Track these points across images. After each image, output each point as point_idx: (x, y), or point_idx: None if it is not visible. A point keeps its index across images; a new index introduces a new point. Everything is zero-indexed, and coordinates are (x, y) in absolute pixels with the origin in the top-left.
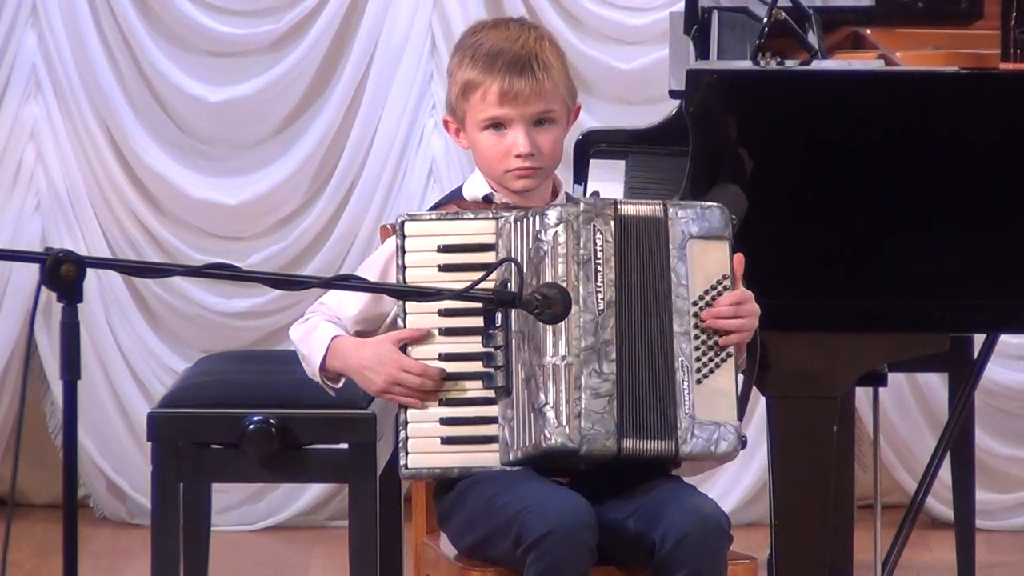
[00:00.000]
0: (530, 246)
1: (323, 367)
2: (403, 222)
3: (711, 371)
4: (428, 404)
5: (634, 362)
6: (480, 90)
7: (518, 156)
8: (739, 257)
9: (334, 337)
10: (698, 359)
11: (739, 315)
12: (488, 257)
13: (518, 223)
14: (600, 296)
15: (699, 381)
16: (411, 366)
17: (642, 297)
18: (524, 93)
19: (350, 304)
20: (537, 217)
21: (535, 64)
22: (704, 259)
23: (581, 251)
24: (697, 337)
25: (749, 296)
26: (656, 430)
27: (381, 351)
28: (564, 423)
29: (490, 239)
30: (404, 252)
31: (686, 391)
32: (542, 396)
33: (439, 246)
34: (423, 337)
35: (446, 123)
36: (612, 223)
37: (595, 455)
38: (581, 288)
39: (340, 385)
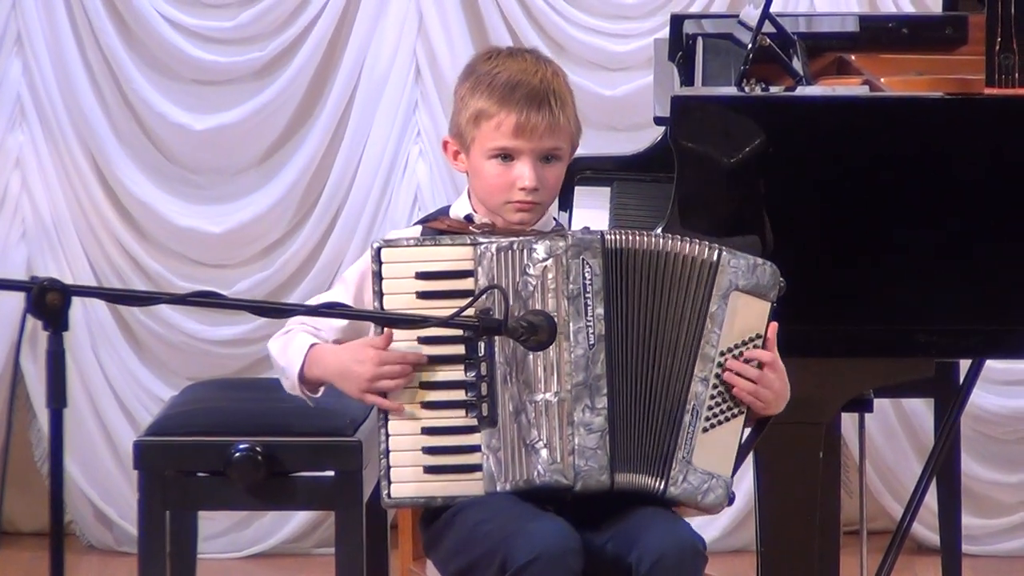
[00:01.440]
0: (517, 279)
1: (302, 377)
2: (379, 248)
3: (719, 423)
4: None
5: (630, 396)
6: (495, 120)
7: (522, 189)
8: (774, 326)
9: (312, 345)
10: (710, 407)
11: (760, 382)
12: (466, 284)
13: (502, 254)
14: (591, 331)
15: (705, 429)
16: (390, 357)
17: (643, 331)
18: (539, 128)
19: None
20: (525, 250)
21: (552, 99)
22: (743, 313)
23: (571, 285)
24: (715, 386)
25: (778, 366)
26: (648, 464)
27: (358, 350)
28: (558, 460)
29: (468, 265)
30: (381, 279)
31: (690, 436)
32: (534, 432)
33: (416, 272)
34: (389, 341)
35: (445, 144)
36: (599, 256)
37: (590, 491)
38: (572, 323)
39: (319, 395)
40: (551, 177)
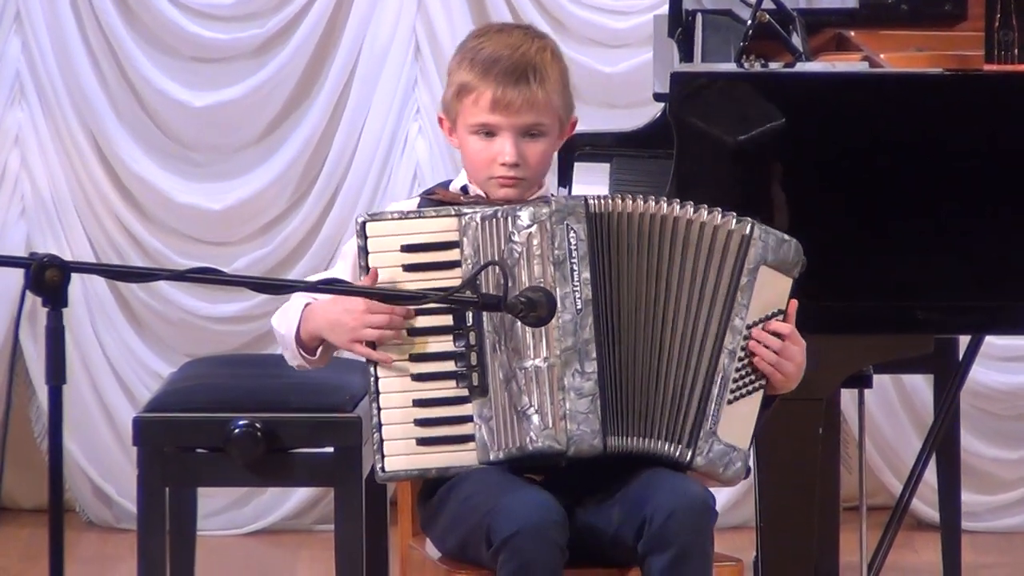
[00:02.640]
0: (502, 247)
1: (299, 339)
2: (363, 223)
3: (743, 395)
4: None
5: (622, 360)
6: (473, 94)
7: (503, 164)
8: (794, 303)
9: (307, 304)
10: (735, 379)
11: (782, 353)
12: (452, 255)
13: (486, 223)
14: (577, 295)
15: (730, 401)
16: (376, 307)
17: (633, 293)
18: (516, 103)
19: None
20: (509, 218)
21: (531, 75)
22: (768, 288)
23: (556, 251)
24: (741, 359)
25: (797, 339)
26: (666, 432)
27: (348, 301)
28: (550, 425)
29: (453, 236)
30: (367, 253)
31: (717, 407)
32: (525, 399)
33: (402, 245)
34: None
35: (440, 120)
36: (584, 221)
37: (583, 455)
38: (559, 289)
39: (317, 358)
40: (533, 153)
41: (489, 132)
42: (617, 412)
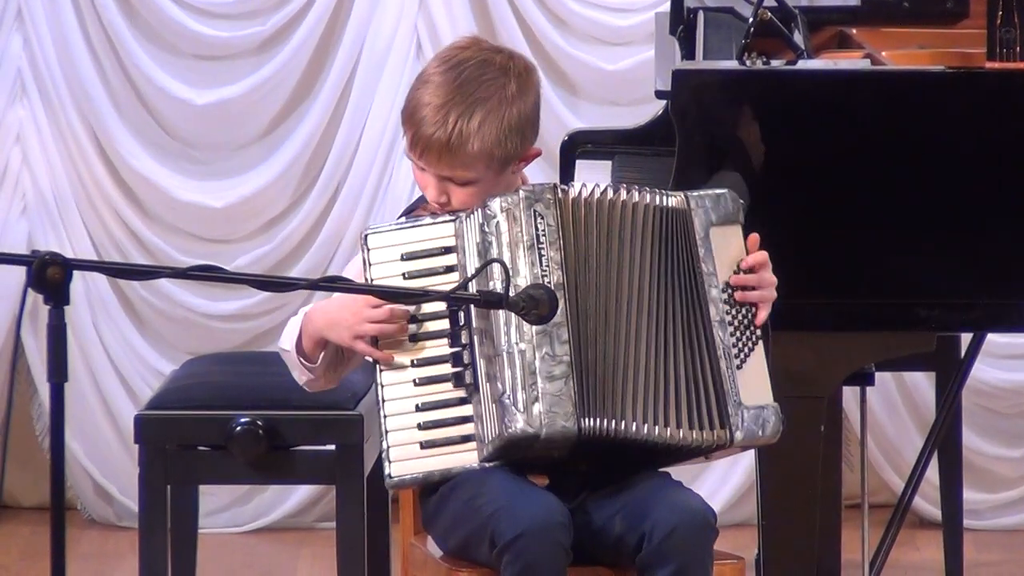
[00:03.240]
0: (478, 239)
1: (299, 347)
2: (366, 236)
3: (747, 354)
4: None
5: (595, 342)
6: (406, 127)
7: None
8: (754, 237)
9: (305, 312)
10: (734, 344)
11: (760, 284)
12: (450, 260)
13: (470, 219)
14: (546, 279)
15: (739, 367)
16: (374, 302)
17: (605, 277)
18: (433, 154)
19: None
20: (480, 210)
21: (452, 131)
22: (725, 245)
23: (524, 236)
24: (731, 323)
25: (767, 261)
26: (612, 409)
27: (346, 299)
28: (522, 410)
29: (450, 241)
30: (370, 265)
31: (731, 379)
32: (499, 386)
33: (402, 254)
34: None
35: None
36: (553, 207)
37: (556, 438)
38: (527, 272)
39: (318, 364)
40: (459, 195)
41: (420, 167)
42: (590, 394)
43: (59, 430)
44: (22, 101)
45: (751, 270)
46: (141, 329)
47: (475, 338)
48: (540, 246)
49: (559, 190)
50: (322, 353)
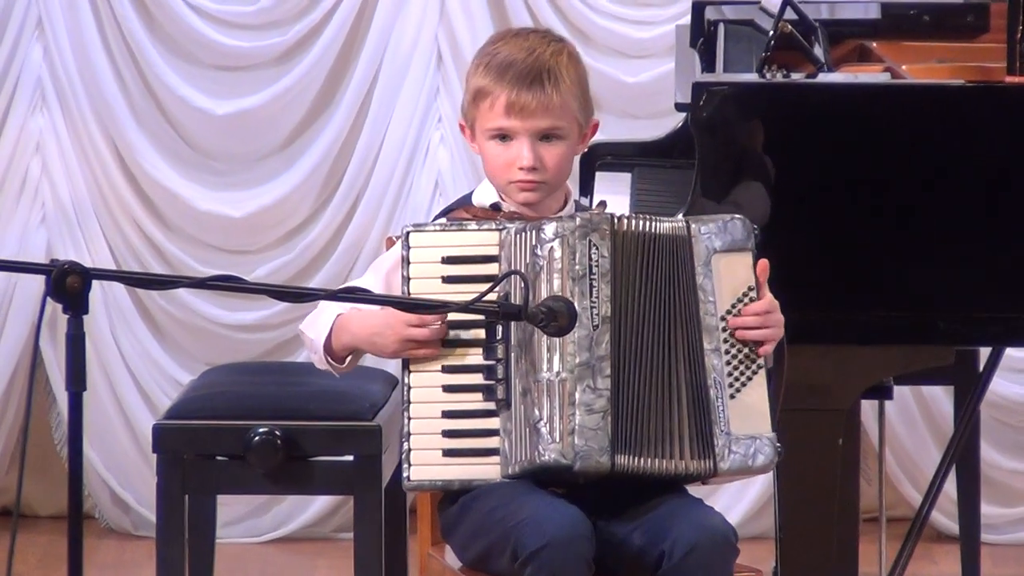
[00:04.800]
0: (527, 260)
1: (327, 347)
2: (408, 233)
3: (743, 384)
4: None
5: (636, 378)
6: (489, 99)
7: (521, 168)
8: (763, 263)
9: (339, 315)
10: (730, 373)
11: (765, 325)
12: (491, 269)
13: (518, 235)
14: (595, 312)
15: (732, 396)
16: (415, 319)
17: (649, 313)
18: (531, 106)
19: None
20: (534, 231)
21: (545, 78)
22: (729, 272)
23: (576, 266)
24: (728, 352)
25: (775, 305)
26: (651, 448)
27: (387, 315)
28: (558, 440)
29: (493, 250)
30: (409, 263)
31: (721, 408)
32: (537, 412)
33: (443, 257)
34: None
35: (462, 127)
36: (608, 238)
37: (589, 472)
38: (576, 303)
39: (345, 366)
40: (551, 156)
41: (506, 136)
42: (628, 431)
43: (77, 439)
44: (42, 111)
45: (755, 314)
46: (159, 339)
47: (512, 354)
48: (592, 277)
49: (615, 220)
50: (349, 357)
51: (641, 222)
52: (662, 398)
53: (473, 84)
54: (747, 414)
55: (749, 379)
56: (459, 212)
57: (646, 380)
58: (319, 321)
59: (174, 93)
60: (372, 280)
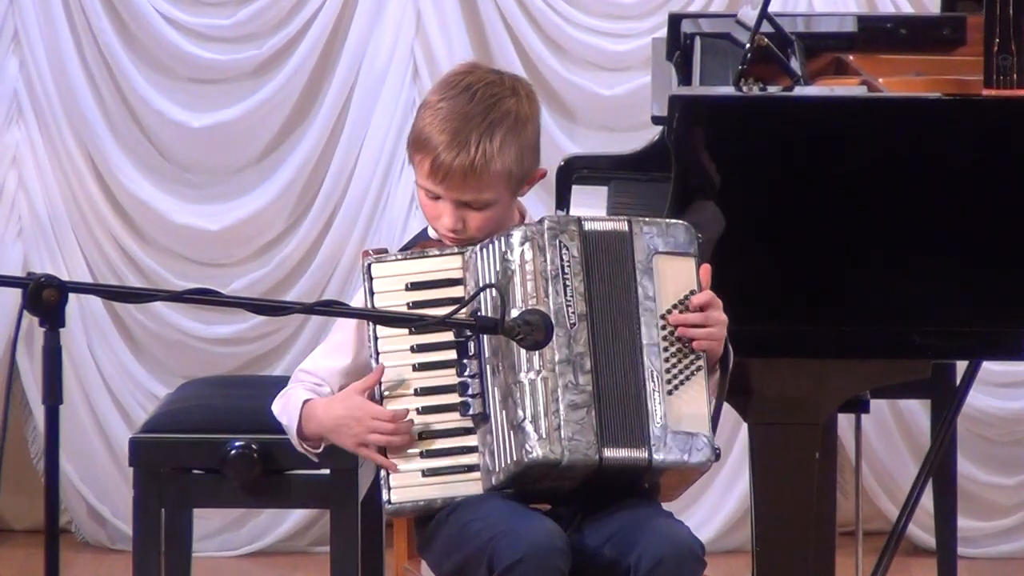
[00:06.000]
0: (498, 268)
1: (300, 434)
2: (369, 265)
3: (682, 383)
4: (406, 465)
5: (608, 372)
6: (420, 155)
7: (445, 228)
8: (705, 268)
9: (305, 402)
10: (668, 371)
11: (707, 323)
12: (457, 292)
13: (484, 251)
14: (571, 310)
15: (670, 392)
16: (381, 413)
17: (612, 309)
18: (455, 178)
19: (339, 355)
20: (502, 239)
21: (475, 152)
22: (671, 274)
23: (549, 267)
24: (667, 350)
25: (717, 302)
26: (631, 438)
27: (351, 404)
28: (544, 435)
29: (457, 274)
30: (373, 294)
31: (658, 401)
32: (520, 412)
33: (407, 284)
34: (379, 378)
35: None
36: (577, 238)
37: (577, 466)
38: (551, 303)
39: (320, 449)
40: (476, 220)
41: (434, 195)
42: (612, 424)
43: (54, 453)
44: (18, 123)
45: (699, 308)
46: (136, 352)
47: (487, 368)
48: (565, 277)
49: (583, 222)
50: (324, 444)
51: (592, 223)
52: (628, 389)
53: (414, 128)
54: (684, 411)
55: (688, 378)
56: (416, 248)
57: (615, 373)
58: (289, 405)
59: (150, 106)
60: (339, 337)
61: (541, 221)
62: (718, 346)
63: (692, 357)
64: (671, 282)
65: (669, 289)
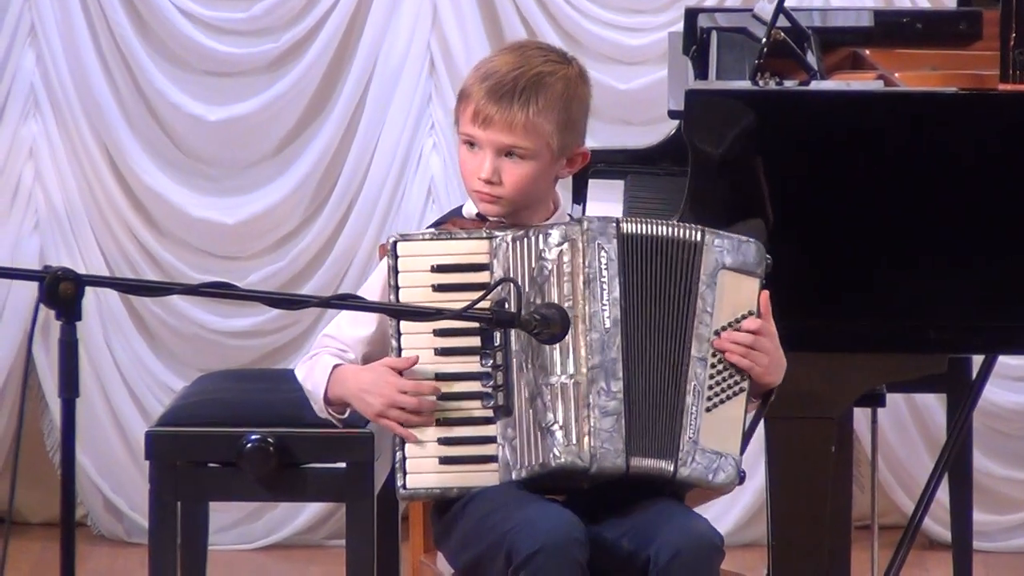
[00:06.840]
0: (532, 265)
1: (327, 398)
2: (395, 242)
3: (722, 401)
4: (424, 439)
5: (641, 380)
6: (464, 103)
7: (479, 179)
8: (765, 295)
9: (335, 366)
10: (711, 387)
11: (754, 347)
12: (482, 277)
13: (517, 243)
14: (606, 314)
15: (708, 409)
16: (406, 386)
17: (651, 315)
18: (494, 120)
19: (363, 324)
20: (540, 236)
21: (516, 96)
22: (733, 291)
23: (586, 269)
24: (714, 366)
25: (770, 332)
26: (660, 449)
27: (378, 374)
28: (573, 442)
29: (484, 259)
30: (397, 272)
31: (694, 416)
32: (550, 415)
33: (432, 266)
34: (412, 364)
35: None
36: (615, 241)
37: (605, 473)
38: (587, 306)
39: (346, 415)
40: (510, 174)
41: (473, 144)
42: (641, 433)
43: (70, 446)
44: (35, 117)
45: (751, 332)
46: (152, 345)
47: (512, 361)
48: (603, 280)
49: (621, 225)
50: (349, 409)
51: (650, 226)
52: (664, 399)
53: (463, 85)
54: (719, 430)
55: (729, 397)
56: (447, 225)
57: (650, 382)
58: (315, 372)
59: (167, 99)
60: (372, 286)
61: (580, 221)
62: (760, 371)
63: (737, 377)
64: (731, 299)
65: (728, 306)
